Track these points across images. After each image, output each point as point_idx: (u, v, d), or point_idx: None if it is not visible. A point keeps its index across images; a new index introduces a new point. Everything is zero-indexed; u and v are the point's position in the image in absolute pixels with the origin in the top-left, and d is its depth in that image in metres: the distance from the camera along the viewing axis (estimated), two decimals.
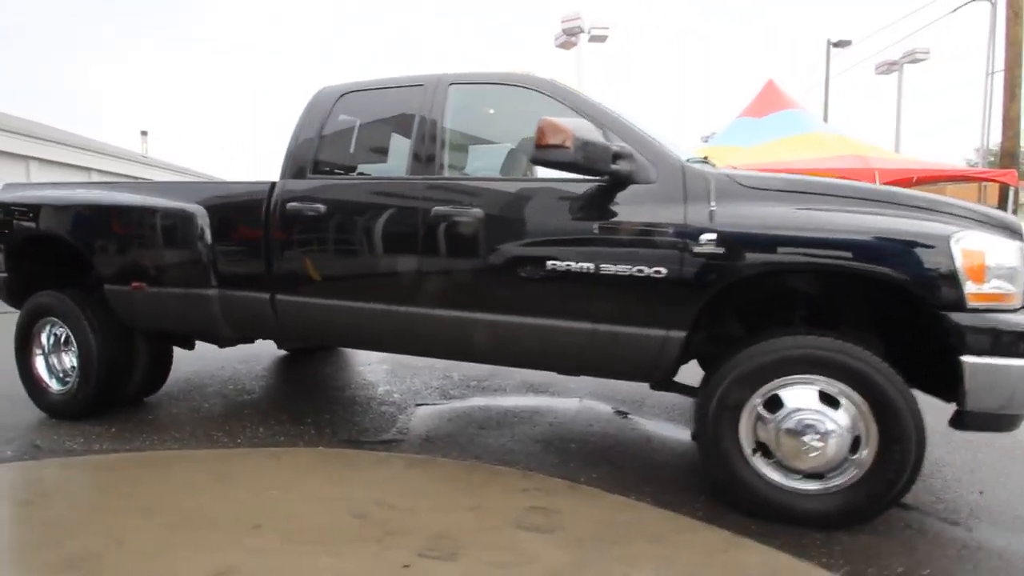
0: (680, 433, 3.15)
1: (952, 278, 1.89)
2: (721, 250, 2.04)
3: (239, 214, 2.89)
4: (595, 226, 2.23)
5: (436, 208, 2.43)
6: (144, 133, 20.86)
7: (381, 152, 2.93)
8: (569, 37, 14.24)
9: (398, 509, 2.21)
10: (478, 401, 3.66)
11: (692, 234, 2.07)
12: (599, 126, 2.23)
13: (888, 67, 16.86)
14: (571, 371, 2.53)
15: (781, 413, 2.03)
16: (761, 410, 2.08)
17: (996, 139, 14.32)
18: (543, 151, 2.01)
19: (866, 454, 2.00)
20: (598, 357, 2.29)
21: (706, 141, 14.69)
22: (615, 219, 2.20)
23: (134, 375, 3.28)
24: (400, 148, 2.72)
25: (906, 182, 9.04)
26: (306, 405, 3.52)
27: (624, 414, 3.44)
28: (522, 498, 2.30)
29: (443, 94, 2.60)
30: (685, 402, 3.61)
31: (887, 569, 1.86)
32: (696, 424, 2.21)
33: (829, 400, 2.02)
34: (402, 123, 2.71)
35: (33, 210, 3.17)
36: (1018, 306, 1.94)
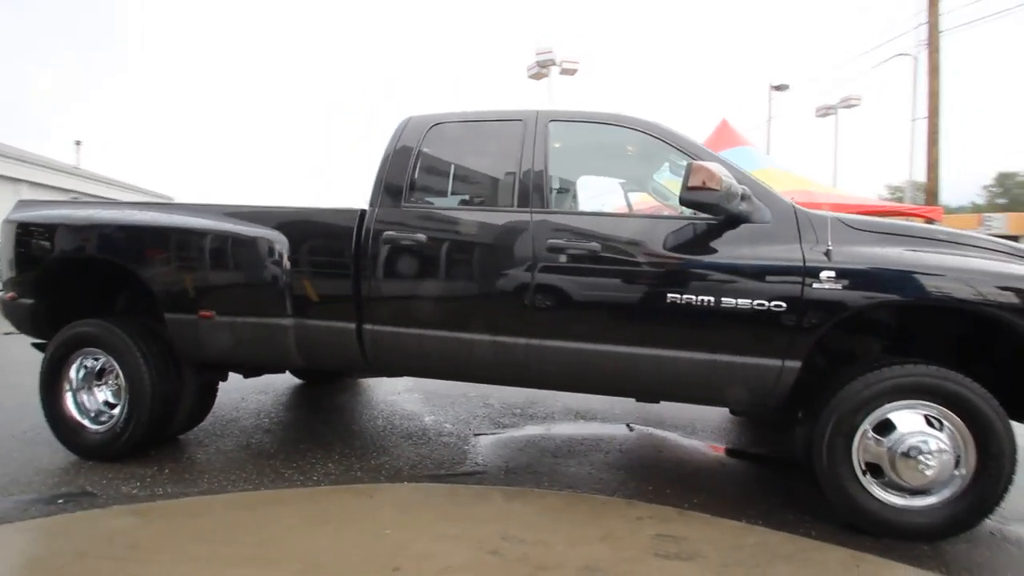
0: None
1: None
2: (840, 286, 2.22)
3: (324, 241, 2.80)
4: (714, 261, 2.36)
5: (551, 241, 2.49)
6: (78, 143, 19.17)
7: (478, 183, 2.94)
8: (541, 69, 14.74)
9: (528, 543, 2.19)
10: (534, 429, 3.67)
11: (812, 271, 2.25)
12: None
13: (826, 111, 18.66)
14: (686, 400, 2.62)
15: (893, 436, 2.22)
16: (871, 433, 2.26)
17: (916, 176, 16.01)
18: (693, 192, 2.13)
19: (965, 471, 2.21)
20: (715, 387, 2.40)
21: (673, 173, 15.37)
22: (735, 256, 2.34)
23: (180, 410, 3.06)
24: (500, 179, 2.75)
25: None
26: (362, 438, 3.40)
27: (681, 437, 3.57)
28: (643, 526, 2.34)
29: (543, 130, 2.68)
30: (727, 423, 3.80)
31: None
32: (806, 450, 2.36)
33: (929, 422, 2.23)
34: (500, 155, 2.75)
35: (78, 232, 2.93)
36: None
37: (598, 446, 3.35)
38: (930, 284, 2.21)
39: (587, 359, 2.48)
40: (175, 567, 2.03)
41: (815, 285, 2.24)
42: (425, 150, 2.80)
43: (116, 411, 2.95)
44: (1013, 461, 2.17)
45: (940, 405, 2.20)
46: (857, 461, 2.28)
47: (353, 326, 2.75)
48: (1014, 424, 2.26)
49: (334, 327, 2.78)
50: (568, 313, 2.49)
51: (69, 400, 3.02)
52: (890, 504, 2.26)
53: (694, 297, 2.33)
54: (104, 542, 2.20)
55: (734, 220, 2.35)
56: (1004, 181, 40.95)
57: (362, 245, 2.70)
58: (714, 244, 2.37)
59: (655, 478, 2.90)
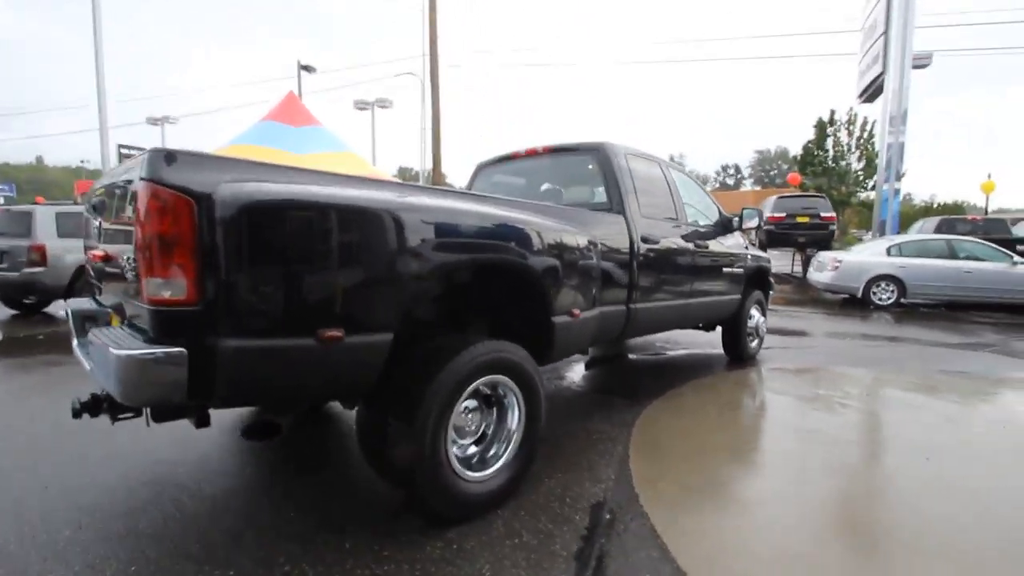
0: (694, 351, 6.01)
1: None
2: (752, 260, 5.32)
3: (615, 242, 3.53)
4: (730, 250, 4.97)
5: (697, 241, 4.40)
6: None
7: (654, 200, 4.16)
8: None
9: (746, 385, 4.26)
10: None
11: (747, 255, 5.24)
12: (715, 203, 5.00)
13: (364, 105, 21.09)
14: (710, 323, 5.08)
15: (753, 321, 5.58)
16: (749, 320, 5.52)
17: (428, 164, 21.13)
18: (761, 223, 4.62)
19: (763, 327, 5.81)
20: (723, 312, 5.07)
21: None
22: (736, 246, 5.04)
23: None
24: (664, 200, 4.26)
25: None
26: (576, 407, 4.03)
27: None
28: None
29: (672, 173, 4.44)
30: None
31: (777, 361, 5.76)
32: (730, 329, 5.42)
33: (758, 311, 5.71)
34: (657, 184, 4.27)
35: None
36: None
37: (663, 366, 5.30)
38: (759, 258, 5.64)
39: (705, 307, 4.64)
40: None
41: (747, 261, 5.25)
42: (631, 173, 3.96)
43: (500, 446, 2.64)
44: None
45: (760, 307, 5.69)
46: (746, 334, 5.49)
47: (623, 308, 3.70)
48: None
49: (616, 310, 3.64)
50: (699, 282, 4.51)
51: (453, 447, 2.43)
52: (752, 346, 5.62)
53: (728, 268, 4.89)
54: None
55: (732, 231, 5.02)
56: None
57: (635, 248, 3.70)
58: (731, 242, 4.98)
59: (695, 370, 5.24)
